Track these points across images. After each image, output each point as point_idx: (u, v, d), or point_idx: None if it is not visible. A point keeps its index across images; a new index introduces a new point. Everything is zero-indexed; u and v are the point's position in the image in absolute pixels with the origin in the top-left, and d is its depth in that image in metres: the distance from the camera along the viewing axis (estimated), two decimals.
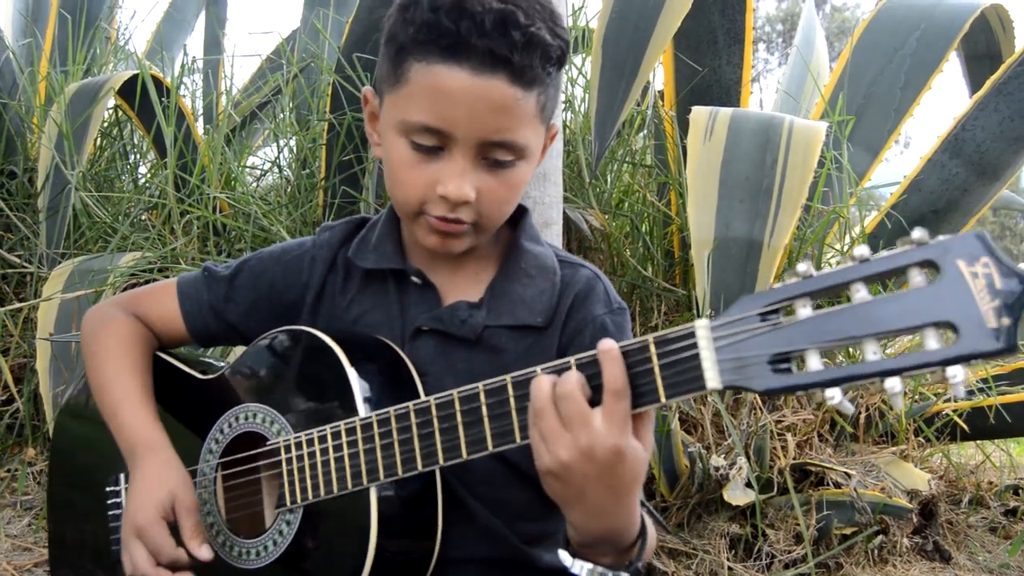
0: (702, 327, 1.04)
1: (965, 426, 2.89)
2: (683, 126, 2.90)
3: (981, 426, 2.95)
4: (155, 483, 1.38)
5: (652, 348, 1.07)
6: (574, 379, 1.09)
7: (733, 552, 2.47)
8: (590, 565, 1.19)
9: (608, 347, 1.10)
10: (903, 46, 3.53)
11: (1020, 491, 3.09)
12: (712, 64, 3.29)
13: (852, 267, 0.96)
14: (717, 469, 2.44)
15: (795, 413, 2.72)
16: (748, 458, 2.49)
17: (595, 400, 1.10)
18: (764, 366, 0.99)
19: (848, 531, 2.52)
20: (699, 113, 2.70)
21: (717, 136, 2.64)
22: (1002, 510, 3.01)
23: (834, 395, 0.96)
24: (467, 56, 1.23)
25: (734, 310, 1.02)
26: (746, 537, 2.49)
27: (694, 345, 1.04)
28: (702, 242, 2.52)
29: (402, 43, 1.29)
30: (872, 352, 0.95)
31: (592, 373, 1.10)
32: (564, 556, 1.21)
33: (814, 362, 0.97)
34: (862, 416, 2.85)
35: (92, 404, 1.58)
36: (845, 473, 2.56)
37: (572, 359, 1.12)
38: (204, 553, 1.34)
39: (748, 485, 2.43)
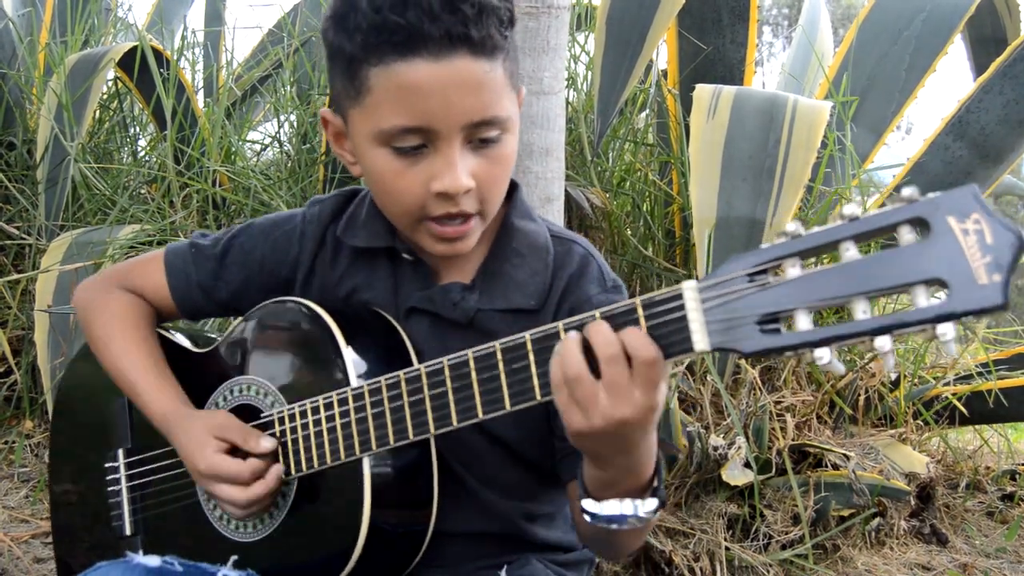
0: (689, 288, 1.02)
1: (964, 410, 2.89)
2: (686, 104, 2.88)
3: (980, 410, 2.95)
4: (200, 433, 1.36)
5: (640, 310, 1.05)
6: (616, 343, 1.04)
7: (731, 532, 2.47)
8: (633, 503, 1.15)
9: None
10: (908, 28, 3.50)
11: (1017, 476, 3.09)
12: (716, 43, 3.26)
13: (841, 226, 0.94)
14: (716, 449, 2.44)
15: (794, 394, 2.72)
16: (747, 438, 2.49)
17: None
18: (752, 327, 0.97)
19: (846, 513, 2.52)
20: (703, 91, 2.68)
21: (720, 114, 2.62)
22: (999, 495, 3.02)
23: (823, 355, 0.94)
24: (424, 45, 1.18)
25: (722, 271, 0.99)
26: (744, 517, 2.48)
27: (681, 307, 1.02)
28: (704, 221, 2.51)
29: (351, 54, 1.23)
30: (862, 311, 0.92)
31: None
32: (589, 503, 1.17)
33: (803, 322, 0.95)
34: (861, 398, 2.85)
35: (88, 379, 1.59)
36: (843, 455, 2.56)
37: (588, 320, 1.08)
38: (267, 444, 1.32)
39: (746, 465, 2.43)
